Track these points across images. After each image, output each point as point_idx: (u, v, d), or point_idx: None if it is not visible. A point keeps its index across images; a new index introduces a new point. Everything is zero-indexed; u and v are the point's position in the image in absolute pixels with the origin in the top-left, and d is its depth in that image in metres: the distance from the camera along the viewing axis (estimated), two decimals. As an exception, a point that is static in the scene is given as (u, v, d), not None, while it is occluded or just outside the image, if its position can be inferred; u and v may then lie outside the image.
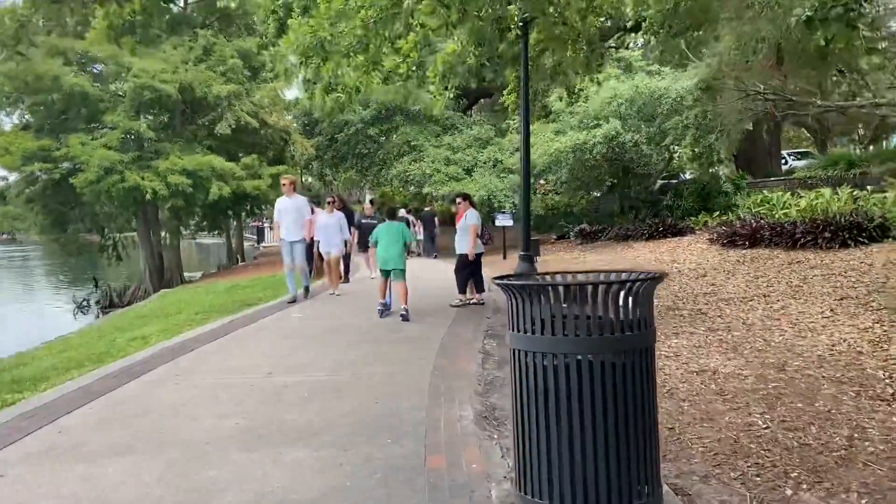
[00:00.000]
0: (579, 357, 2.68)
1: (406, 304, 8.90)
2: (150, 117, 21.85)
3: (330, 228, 11.56)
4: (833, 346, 5.90)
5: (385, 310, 9.17)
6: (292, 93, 29.56)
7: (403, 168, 23.29)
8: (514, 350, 2.93)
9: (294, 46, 7.59)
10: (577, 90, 13.39)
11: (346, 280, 13.72)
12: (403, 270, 9.18)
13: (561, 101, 15.58)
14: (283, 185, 10.86)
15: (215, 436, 4.31)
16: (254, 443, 4.17)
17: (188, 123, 21.60)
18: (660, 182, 21.79)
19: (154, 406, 5.05)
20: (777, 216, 14.75)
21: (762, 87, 8.11)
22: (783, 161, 27.85)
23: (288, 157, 25.10)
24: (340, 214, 11.96)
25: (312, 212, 11.70)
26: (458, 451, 3.92)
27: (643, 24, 14.09)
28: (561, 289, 2.74)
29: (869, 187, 15.32)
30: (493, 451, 3.91)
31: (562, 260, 16.32)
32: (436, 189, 21.20)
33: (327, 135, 25.85)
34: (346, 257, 13.41)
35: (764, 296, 8.78)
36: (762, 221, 13.82)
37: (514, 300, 2.94)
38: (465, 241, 10.10)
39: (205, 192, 19.64)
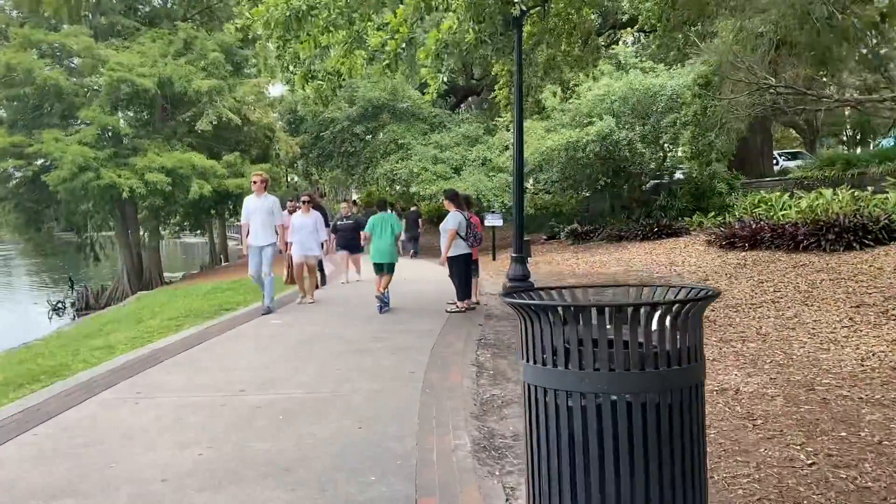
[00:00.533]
0: (614, 397, 2.11)
1: (384, 289, 9.52)
2: (130, 113, 21.12)
3: (306, 230, 10.61)
4: (862, 360, 5.39)
5: (384, 305, 9.45)
6: (277, 90, 28.90)
7: (390, 167, 22.70)
8: (528, 386, 2.35)
9: (265, 20, 6.85)
10: (571, 86, 12.84)
11: (323, 283, 12.89)
12: (394, 265, 9.75)
13: (555, 96, 15.01)
14: (254, 182, 9.46)
15: (174, 471, 3.72)
16: (218, 480, 3.58)
17: (168, 120, 20.86)
18: (652, 182, 21.35)
19: (108, 432, 4.44)
20: (776, 217, 14.32)
21: (773, 79, 7.59)
22: (774, 161, 27.51)
23: (272, 156, 24.43)
24: (318, 214, 10.91)
25: (291, 213, 11.10)
26: (455, 492, 3.36)
27: (640, 18, 13.59)
28: (592, 311, 2.17)
29: (869, 188, 14.92)
30: (495, 492, 3.35)
31: (555, 262, 15.81)
32: (423, 188, 20.62)
33: (312, 133, 25.19)
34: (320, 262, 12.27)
35: (773, 302, 8.28)
36: (762, 223, 13.39)
37: (528, 322, 2.37)
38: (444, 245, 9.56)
39: (185, 191, 18.92)
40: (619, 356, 2.12)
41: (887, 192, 14.15)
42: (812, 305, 7.79)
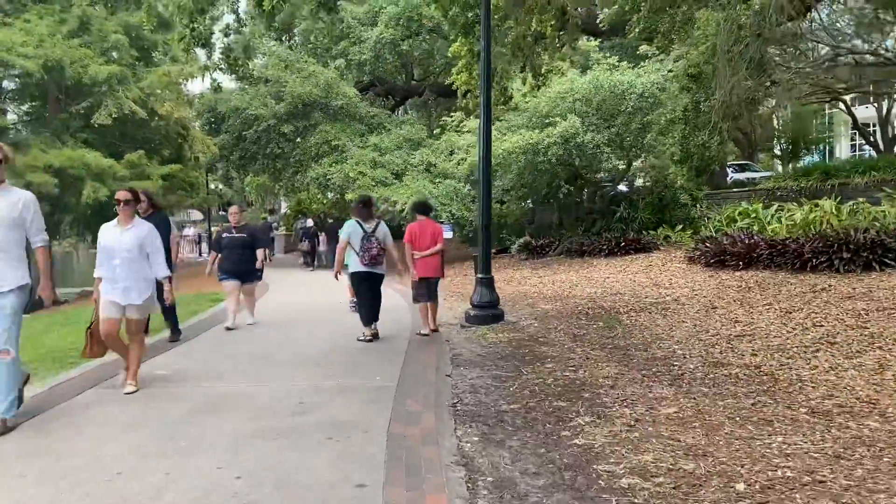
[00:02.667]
0: None
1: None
2: (12, 103, 17.96)
3: (122, 255, 5.74)
4: None
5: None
6: (197, 87, 25.94)
7: (322, 171, 20.24)
8: None
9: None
10: (543, 71, 10.79)
11: (175, 336, 8.15)
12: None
13: (525, 83, 12.93)
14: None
15: None
16: None
17: (60, 112, 17.80)
18: (609, 191, 19.63)
19: None
20: (765, 232, 12.64)
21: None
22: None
23: (187, 157, 21.58)
24: (149, 226, 5.85)
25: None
26: None
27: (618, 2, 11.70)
28: None
29: (860, 199, 13.44)
30: None
31: (514, 280, 13.70)
32: (359, 194, 18.20)
33: (234, 132, 22.42)
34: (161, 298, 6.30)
35: (829, 343, 6.34)
36: (754, 238, 11.64)
37: None
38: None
39: (77, 195, 15.96)
40: None
41: (880, 205, 12.72)
42: (891, 350, 5.88)
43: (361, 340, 7.78)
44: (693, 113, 10.02)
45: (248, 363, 6.70)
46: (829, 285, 9.00)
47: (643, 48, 15.67)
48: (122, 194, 5.80)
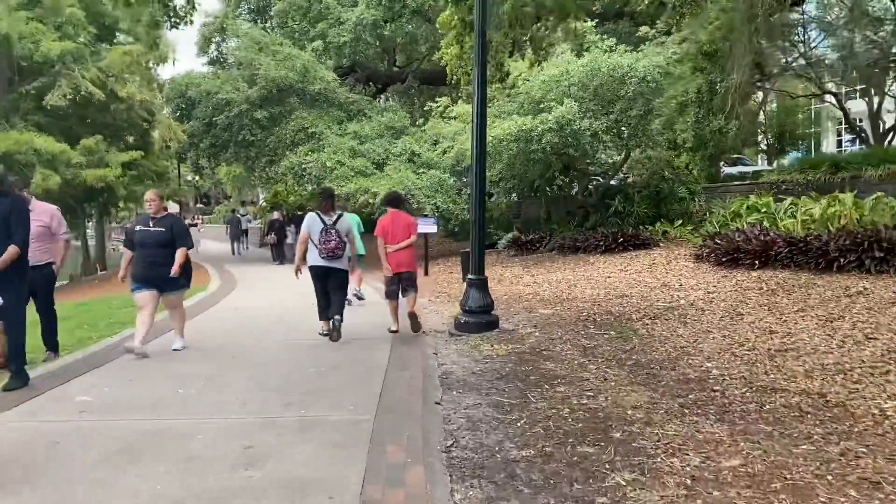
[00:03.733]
0: None
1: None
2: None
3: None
4: None
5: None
6: (167, 72, 24.51)
7: (298, 160, 18.93)
8: None
9: None
10: (544, 46, 9.59)
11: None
12: (361, 256, 9.27)
13: (524, 59, 11.70)
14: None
15: None
16: None
17: (8, 92, 16.34)
18: (602, 183, 18.55)
19: None
20: (779, 228, 11.61)
21: None
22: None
23: (155, 144, 20.17)
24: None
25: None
26: None
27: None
28: None
29: (877, 193, 12.44)
30: None
31: (505, 279, 12.56)
32: (339, 185, 16.99)
33: (204, 118, 21.00)
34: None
35: (897, 361, 5.27)
36: (770, 234, 10.61)
37: None
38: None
39: (26, 183, 14.54)
40: None
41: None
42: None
43: (322, 335, 7.49)
44: (707, 95, 8.94)
45: (191, 386, 5.47)
46: (865, 288, 7.96)
47: (644, 29, 14.54)
48: None
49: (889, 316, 6.65)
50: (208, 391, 5.31)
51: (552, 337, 7.21)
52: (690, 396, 4.87)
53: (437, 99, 17.37)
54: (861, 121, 29.49)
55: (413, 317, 7.62)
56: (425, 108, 19.48)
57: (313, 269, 7.42)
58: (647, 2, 9.32)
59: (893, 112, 29.22)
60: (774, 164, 25.84)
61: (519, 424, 4.39)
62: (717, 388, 5.05)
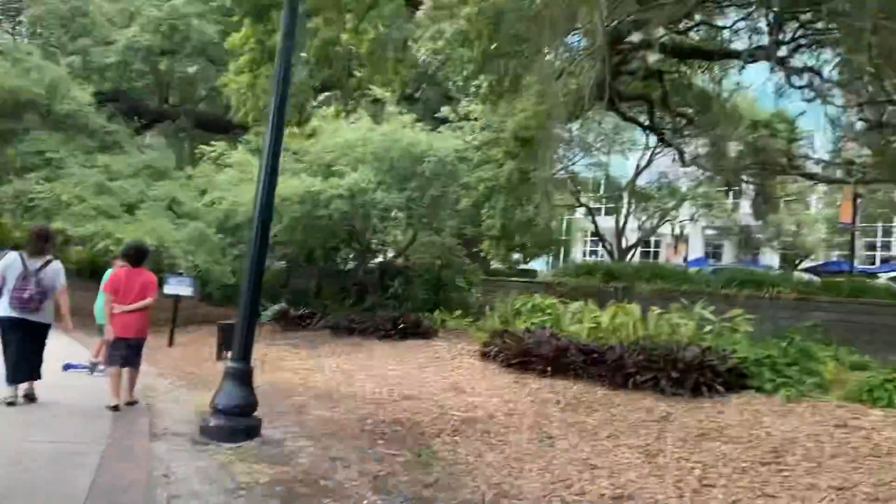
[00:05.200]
0: None
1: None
2: None
3: None
4: None
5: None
6: None
7: (24, 188, 15.40)
8: None
9: None
10: (361, 86, 8.20)
11: None
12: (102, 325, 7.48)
13: (330, 107, 10.18)
14: None
15: None
16: None
17: None
18: (374, 262, 17.53)
19: None
20: (564, 332, 11.17)
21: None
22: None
23: None
24: None
25: None
26: None
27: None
28: None
29: (653, 308, 12.68)
30: None
31: (271, 361, 10.56)
32: (73, 225, 13.92)
33: None
34: None
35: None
36: (564, 340, 10.02)
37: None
38: None
39: None
40: None
41: (671, 313, 11.97)
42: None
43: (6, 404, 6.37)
44: (519, 182, 8.25)
45: None
46: (667, 413, 7.50)
47: (444, 109, 13.99)
48: None
49: (708, 453, 6.01)
50: None
51: (331, 456, 5.53)
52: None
53: (213, 143, 15.22)
54: (606, 238, 32.33)
55: (130, 405, 6.81)
56: (196, 152, 17.10)
57: (1, 321, 6.41)
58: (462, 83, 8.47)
59: (635, 231, 32.76)
60: (530, 264, 26.72)
61: None
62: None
